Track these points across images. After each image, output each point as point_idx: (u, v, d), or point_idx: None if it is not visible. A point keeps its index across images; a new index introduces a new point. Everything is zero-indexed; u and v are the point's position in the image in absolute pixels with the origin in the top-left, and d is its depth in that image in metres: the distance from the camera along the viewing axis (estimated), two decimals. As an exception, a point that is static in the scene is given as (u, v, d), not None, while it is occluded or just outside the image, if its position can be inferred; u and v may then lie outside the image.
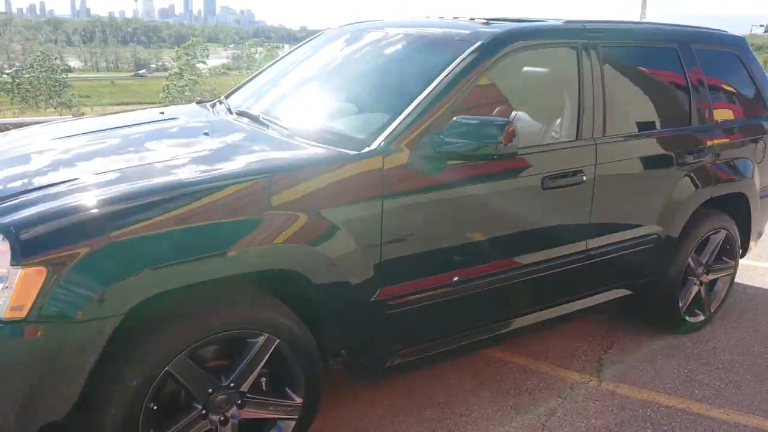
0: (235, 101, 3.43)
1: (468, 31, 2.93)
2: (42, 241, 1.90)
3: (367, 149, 2.47)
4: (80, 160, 2.61)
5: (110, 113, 3.97)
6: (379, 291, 2.51)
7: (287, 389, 2.41)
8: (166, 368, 2.07)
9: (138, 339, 2.06)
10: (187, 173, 2.29)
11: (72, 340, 1.92)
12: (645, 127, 3.36)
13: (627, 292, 3.52)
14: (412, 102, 2.60)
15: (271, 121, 2.85)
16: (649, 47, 3.50)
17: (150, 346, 2.06)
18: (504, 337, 3.05)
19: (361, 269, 2.44)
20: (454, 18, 3.41)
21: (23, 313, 1.86)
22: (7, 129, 4.64)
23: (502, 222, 2.79)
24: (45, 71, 51.35)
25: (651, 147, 3.34)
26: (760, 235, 4.32)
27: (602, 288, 3.39)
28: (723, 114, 3.76)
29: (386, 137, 2.50)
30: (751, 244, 4.22)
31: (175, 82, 35.75)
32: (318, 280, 2.35)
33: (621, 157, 3.20)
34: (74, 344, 1.93)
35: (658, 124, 3.43)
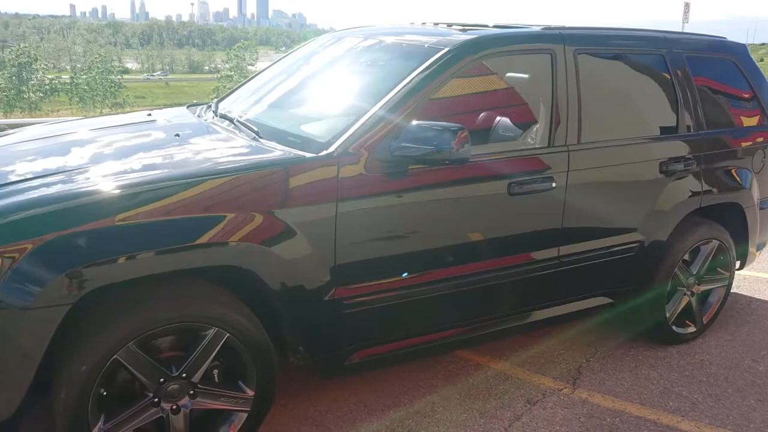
0: (224, 105, 3.56)
1: (437, 39, 2.97)
2: None
3: (324, 152, 2.55)
4: (46, 158, 2.77)
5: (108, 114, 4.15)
6: (334, 290, 2.58)
7: (240, 382, 2.50)
8: (115, 356, 2.19)
9: (88, 328, 2.19)
10: (142, 172, 2.41)
11: (23, 327, 2.06)
12: (625, 134, 3.32)
13: (608, 300, 3.49)
14: (373, 107, 2.67)
15: (245, 124, 2.96)
16: (635, 54, 3.47)
17: (99, 334, 2.18)
18: (471, 341, 3.08)
19: (315, 269, 2.52)
20: (434, 25, 3.46)
21: None
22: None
23: (462, 226, 2.82)
24: (101, 72, 53.23)
25: (631, 155, 3.31)
26: (763, 246, 4.21)
27: (578, 296, 3.37)
28: (715, 122, 3.68)
29: (344, 141, 2.57)
30: (753, 255, 4.11)
31: (225, 84, 36.65)
32: (271, 278, 2.44)
33: (597, 165, 3.18)
34: (25, 331, 2.07)
35: (640, 132, 3.39)
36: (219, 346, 2.38)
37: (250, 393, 2.50)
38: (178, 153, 2.73)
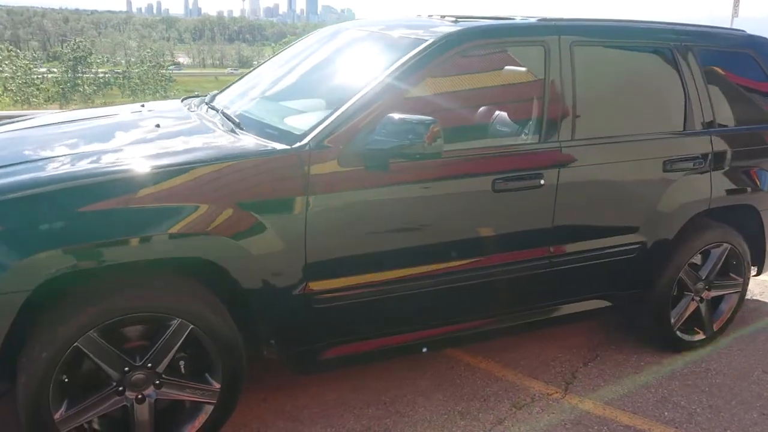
0: (221, 97, 3.56)
1: (423, 30, 2.90)
2: None
3: (297, 144, 2.51)
4: (23, 147, 2.80)
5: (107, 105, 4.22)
6: (305, 284, 2.54)
7: (206, 374, 2.49)
8: (75, 344, 2.21)
9: (49, 314, 2.21)
10: (111, 160, 2.42)
11: None
12: (625, 131, 3.17)
13: (606, 303, 3.35)
14: (350, 100, 2.61)
15: (227, 116, 2.95)
16: (639, 48, 3.31)
17: (60, 321, 2.20)
18: (449, 341, 3.00)
19: (285, 263, 2.48)
20: (428, 17, 3.38)
21: None
22: None
23: (439, 223, 2.74)
24: (153, 66, 54.77)
25: (631, 152, 3.16)
26: (784, 251, 3.98)
27: (573, 297, 3.25)
28: (729, 119, 3.49)
29: (318, 133, 2.53)
30: (771, 261, 3.89)
31: (270, 78, 37.26)
32: (239, 272, 2.42)
33: (593, 162, 3.05)
34: None
35: (642, 129, 3.23)
36: (183, 337, 2.37)
37: (217, 385, 2.49)
38: (151, 144, 2.72)
